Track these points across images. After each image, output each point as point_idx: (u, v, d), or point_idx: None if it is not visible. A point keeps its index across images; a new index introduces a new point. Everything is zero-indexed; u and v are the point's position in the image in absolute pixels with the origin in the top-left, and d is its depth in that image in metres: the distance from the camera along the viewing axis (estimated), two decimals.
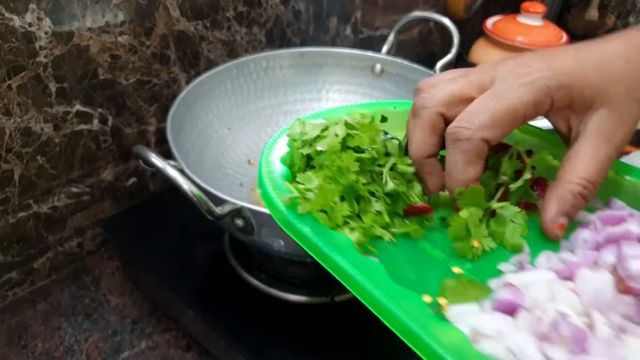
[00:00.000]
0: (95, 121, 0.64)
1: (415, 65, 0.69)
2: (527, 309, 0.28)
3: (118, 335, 0.61)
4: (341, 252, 0.30)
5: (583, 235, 0.32)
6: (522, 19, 1.11)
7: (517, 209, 0.35)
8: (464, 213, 0.33)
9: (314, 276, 0.58)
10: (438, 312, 0.29)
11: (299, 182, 0.34)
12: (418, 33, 1.17)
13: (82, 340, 0.60)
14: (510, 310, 0.28)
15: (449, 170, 0.34)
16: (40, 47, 0.55)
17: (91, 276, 0.68)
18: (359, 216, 0.34)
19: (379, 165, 0.36)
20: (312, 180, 0.34)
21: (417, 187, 0.36)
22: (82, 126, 0.63)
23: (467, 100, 0.32)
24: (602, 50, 0.32)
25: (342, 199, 0.34)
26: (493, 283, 0.31)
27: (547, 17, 1.22)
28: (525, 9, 1.10)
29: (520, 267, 0.32)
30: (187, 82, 0.72)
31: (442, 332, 0.26)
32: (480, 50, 1.15)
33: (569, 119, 0.33)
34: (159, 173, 0.50)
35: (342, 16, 0.91)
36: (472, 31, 1.34)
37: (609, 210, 0.34)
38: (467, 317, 0.28)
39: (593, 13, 1.36)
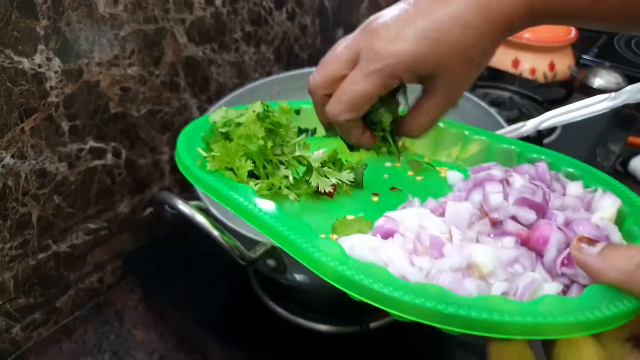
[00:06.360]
0: (109, 155, 0.63)
1: None
2: (401, 234, 0.32)
3: None
4: (243, 195, 0.35)
5: (458, 185, 0.39)
6: None
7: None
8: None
9: (345, 305, 0.57)
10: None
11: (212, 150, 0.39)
12: None
13: None
14: (386, 235, 0.33)
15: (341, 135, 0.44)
16: (51, 87, 0.54)
17: (114, 311, 0.67)
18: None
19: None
20: (224, 147, 0.38)
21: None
22: (96, 162, 0.61)
23: (342, 79, 0.39)
24: (446, 17, 0.36)
25: (253, 162, 0.38)
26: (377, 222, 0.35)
27: None
28: None
29: (402, 207, 0.37)
30: (199, 108, 0.70)
31: (325, 246, 0.30)
32: None
33: (419, 82, 0.40)
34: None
35: (347, 26, 0.90)
36: None
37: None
38: (348, 239, 0.32)
39: None
